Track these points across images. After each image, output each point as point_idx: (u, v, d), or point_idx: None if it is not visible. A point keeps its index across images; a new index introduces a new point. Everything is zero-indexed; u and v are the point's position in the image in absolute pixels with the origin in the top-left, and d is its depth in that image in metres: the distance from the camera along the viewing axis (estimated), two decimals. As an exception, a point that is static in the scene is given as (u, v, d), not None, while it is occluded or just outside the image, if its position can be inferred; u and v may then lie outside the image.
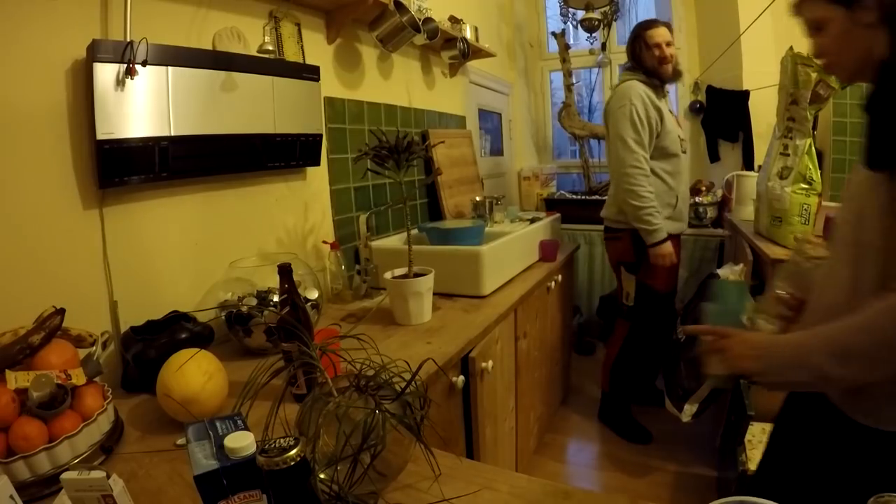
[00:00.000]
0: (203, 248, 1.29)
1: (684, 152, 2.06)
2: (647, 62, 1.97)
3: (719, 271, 1.60)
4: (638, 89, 1.94)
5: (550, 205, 3.10)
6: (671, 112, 2.06)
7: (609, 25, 3.15)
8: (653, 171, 1.95)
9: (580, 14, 2.99)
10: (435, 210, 2.25)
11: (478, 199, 2.27)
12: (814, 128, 1.76)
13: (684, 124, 3.12)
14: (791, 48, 1.72)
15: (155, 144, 1.09)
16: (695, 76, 3.07)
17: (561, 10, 3.06)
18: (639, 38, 1.99)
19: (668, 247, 1.94)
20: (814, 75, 1.67)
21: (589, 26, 2.97)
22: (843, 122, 2.45)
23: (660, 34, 1.95)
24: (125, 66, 1.01)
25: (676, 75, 2.04)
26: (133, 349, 1.02)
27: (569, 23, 3.11)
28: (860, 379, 0.70)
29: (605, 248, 2.27)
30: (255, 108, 1.32)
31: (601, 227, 2.22)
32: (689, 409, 1.33)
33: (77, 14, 1.01)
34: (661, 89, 2.03)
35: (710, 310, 0.97)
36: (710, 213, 2.75)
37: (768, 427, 1.04)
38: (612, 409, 2.26)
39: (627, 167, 1.90)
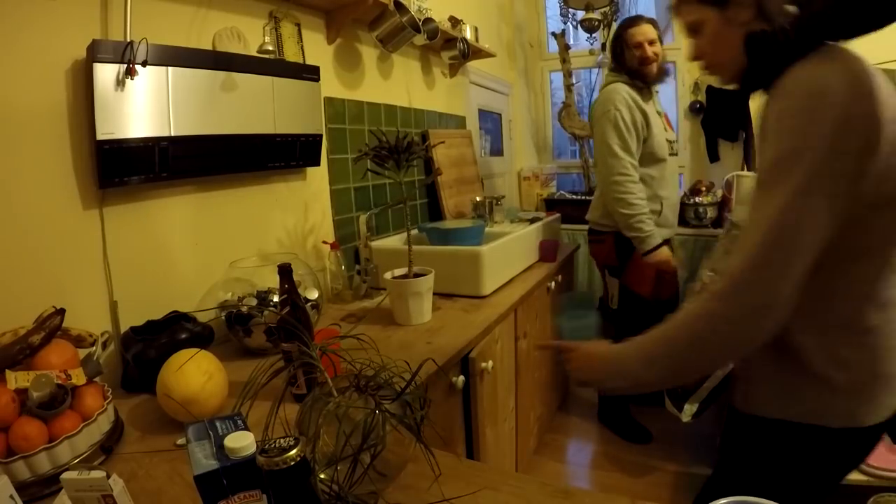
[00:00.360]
0: (203, 248, 1.29)
1: (675, 154, 2.01)
2: (629, 63, 1.88)
3: (719, 271, 1.60)
4: (622, 93, 1.85)
5: (550, 205, 3.10)
6: (659, 114, 1.98)
7: (609, 26, 3.14)
8: None
9: (580, 14, 2.99)
10: (435, 210, 2.25)
11: (478, 199, 2.27)
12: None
13: (684, 124, 3.12)
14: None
15: (155, 144, 1.09)
16: (695, 76, 3.07)
17: (561, 10, 3.06)
18: (619, 38, 1.90)
19: (665, 252, 1.87)
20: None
21: (589, 26, 2.97)
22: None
23: (641, 32, 1.85)
24: (125, 66, 1.01)
25: (661, 75, 1.92)
26: (133, 349, 1.02)
27: (569, 23, 3.11)
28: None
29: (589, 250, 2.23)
30: (255, 108, 1.32)
31: None
32: (689, 409, 1.33)
33: (77, 14, 1.01)
34: (647, 91, 1.94)
35: (563, 325, 1.02)
36: (710, 213, 2.75)
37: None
38: (610, 409, 2.25)
39: (615, 175, 1.83)
